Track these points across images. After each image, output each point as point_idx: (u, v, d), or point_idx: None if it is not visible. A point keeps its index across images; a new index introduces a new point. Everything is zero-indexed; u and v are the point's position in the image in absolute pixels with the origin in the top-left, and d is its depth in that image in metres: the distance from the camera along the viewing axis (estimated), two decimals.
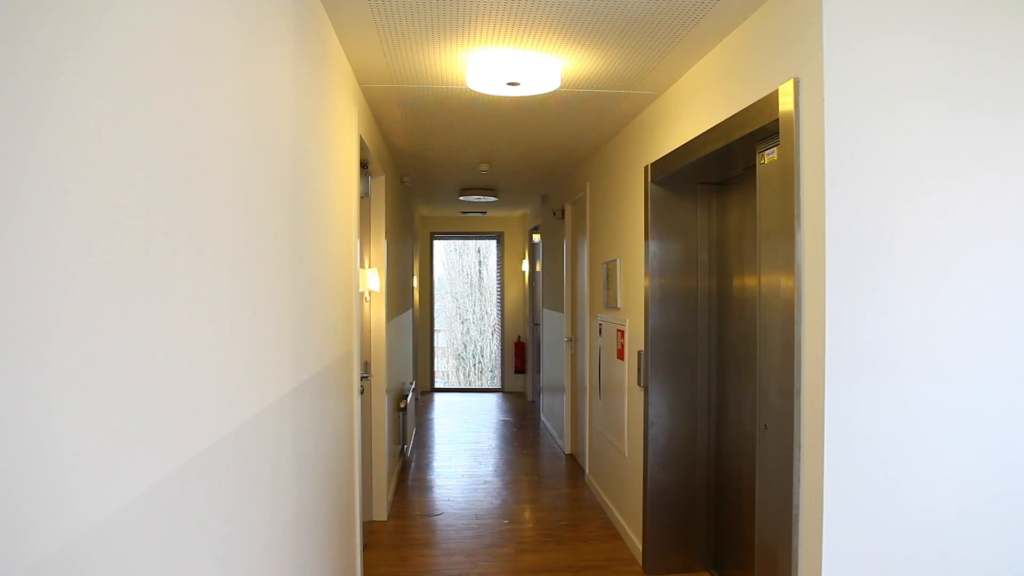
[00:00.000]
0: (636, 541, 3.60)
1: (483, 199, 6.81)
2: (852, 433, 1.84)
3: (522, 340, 9.14)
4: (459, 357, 13.48)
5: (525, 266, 8.98)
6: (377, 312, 4.14)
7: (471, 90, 3.12)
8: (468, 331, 13.52)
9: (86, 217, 0.77)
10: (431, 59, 2.79)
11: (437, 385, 9.80)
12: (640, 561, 3.50)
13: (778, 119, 2.04)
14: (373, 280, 3.93)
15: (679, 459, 3.33)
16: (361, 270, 3.54)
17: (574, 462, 5.54)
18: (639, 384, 3.49)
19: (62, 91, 0.73)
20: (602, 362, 4.39)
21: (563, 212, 5.83)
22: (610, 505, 4.23)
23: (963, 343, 1.88)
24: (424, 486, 4.99)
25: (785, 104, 2.00)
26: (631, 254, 3.70)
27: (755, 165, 2.28)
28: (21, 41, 0.67)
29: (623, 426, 3.85)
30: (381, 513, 4.16)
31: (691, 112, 2.87)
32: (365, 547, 3.62)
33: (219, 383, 1.18)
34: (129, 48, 0.88)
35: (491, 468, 5.46)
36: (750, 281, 2.95)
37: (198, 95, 1.10)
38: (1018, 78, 1.89)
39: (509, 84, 2.83)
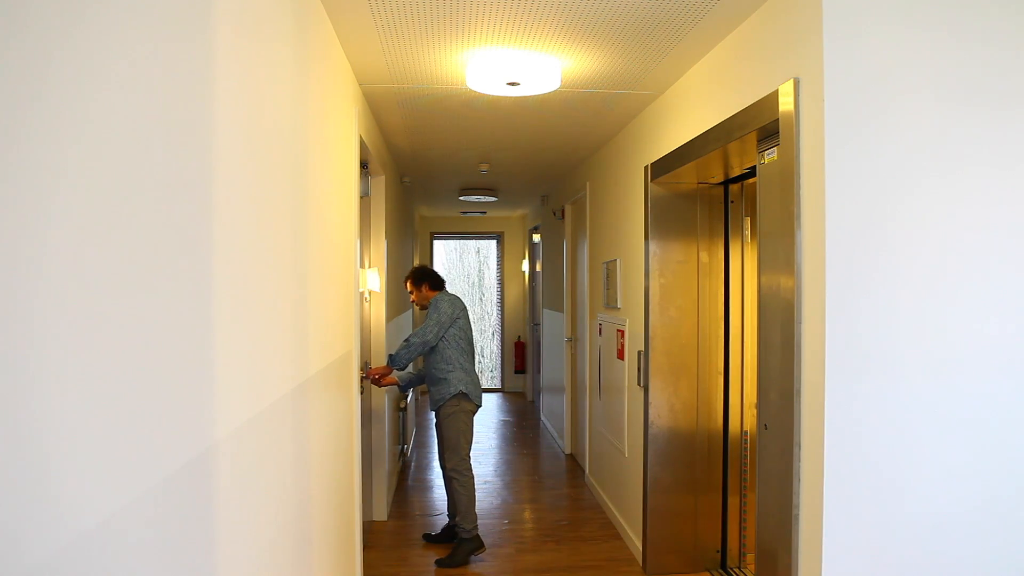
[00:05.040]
0: (636, 541, 3.59)
1: (483, 199, 6.80)
2: (852, 433, 1.84)
3: (522, 340, 9.13)
4: None
5: (525, 266, 8.98)
6: (377, 312, 4.14)
7: (471, 90, 3.12)
8: None
9: (86, 216, 0.77)
10: (431, 59, 2.79)
11: None
12: (640, 561, 3.50)
13: (778, 119, 2.04)
14: (373, 280, 3.93)
15: (679, 459, 3.33)
16: (361, 270, 3.54)
17: (574, 462, 5.54)
18: (639, 384, 3.49)
19: (60, 87, 0.73)
20: (602, 362, 4.39)
21: (563, 212, 5.83)
22: (610, 505, 4.23)
23: (964, 342, 1.88)
24: (424, 486, 4.99)
25: (785, 104, 2.00)
26: (631, 254, 3.70)
27: (755, 165, 2.28)
28: (13, 35, 0.67)
29: (623, 426, 3.85)
30: (381, 513, 4.16)
31: (691, 112, 2.87)
32: (365, 547, 3.61)
33: (218, 383, 1.18)
34: (125, 51, 0.88)
35: (491, 468, 5.45)
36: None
37: (197, 95, 1.09)
38: (1021, 76, 1.89)
39: (509, 84, 2.83)
